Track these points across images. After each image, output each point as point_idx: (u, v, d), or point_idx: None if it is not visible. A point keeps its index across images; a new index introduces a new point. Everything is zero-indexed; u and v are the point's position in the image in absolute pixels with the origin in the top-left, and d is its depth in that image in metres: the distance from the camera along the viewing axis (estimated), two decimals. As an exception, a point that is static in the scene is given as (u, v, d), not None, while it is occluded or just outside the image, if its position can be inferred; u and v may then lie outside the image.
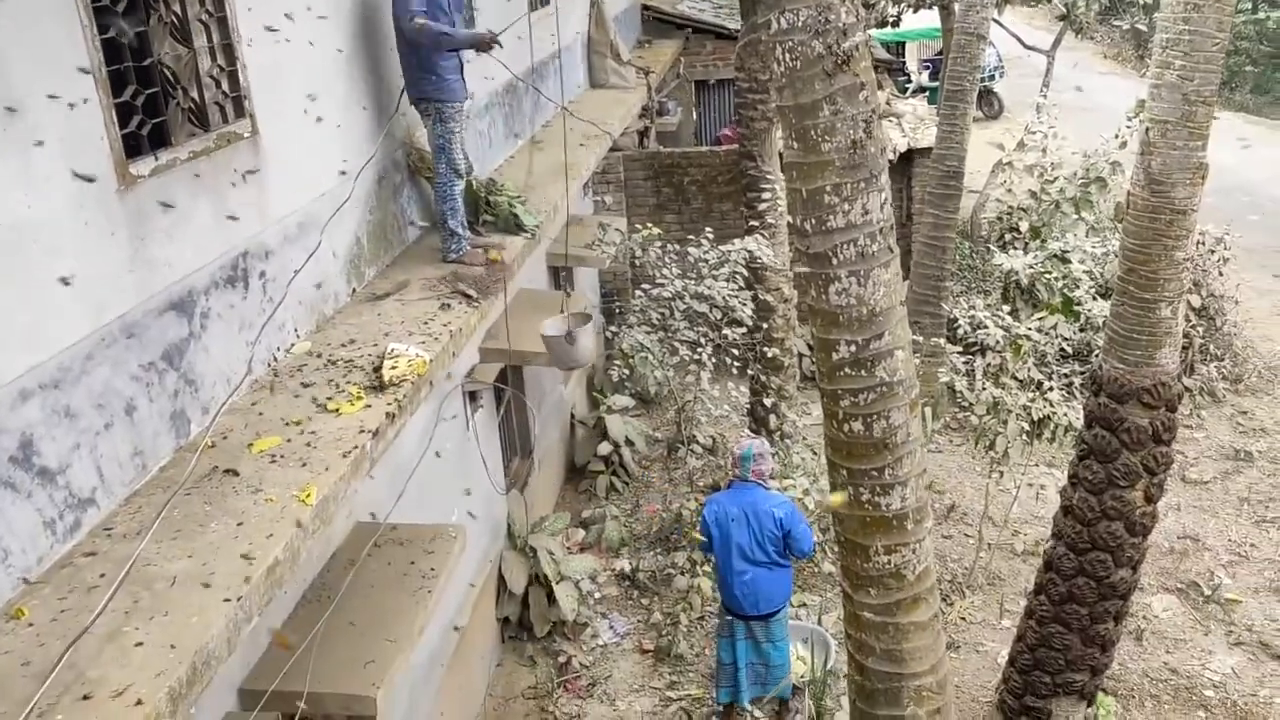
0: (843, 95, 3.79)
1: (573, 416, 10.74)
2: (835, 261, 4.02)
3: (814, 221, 3.99)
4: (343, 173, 5.29)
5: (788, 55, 3.78)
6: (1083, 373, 10.91)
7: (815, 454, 9.07)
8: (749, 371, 9.77)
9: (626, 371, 9.59)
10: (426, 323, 5.21)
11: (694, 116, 17.44)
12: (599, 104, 11.07)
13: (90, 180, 3.42)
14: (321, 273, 5.06)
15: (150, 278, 3.71)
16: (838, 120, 3.81)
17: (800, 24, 3.73)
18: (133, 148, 3.70)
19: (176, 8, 4.02)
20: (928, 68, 24.55)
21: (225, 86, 4.32)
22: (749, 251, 8.78)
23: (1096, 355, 7.15)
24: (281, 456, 3.86)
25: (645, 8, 16.37)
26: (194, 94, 4.13)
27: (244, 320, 4.34)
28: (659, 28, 16.42)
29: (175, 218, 3.88)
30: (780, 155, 4.95)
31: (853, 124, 3.82)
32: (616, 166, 12.56)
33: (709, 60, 16.45)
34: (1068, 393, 10.03)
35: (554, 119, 9.65)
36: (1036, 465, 9.94)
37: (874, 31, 19.96)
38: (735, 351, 9.02)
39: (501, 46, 5.76)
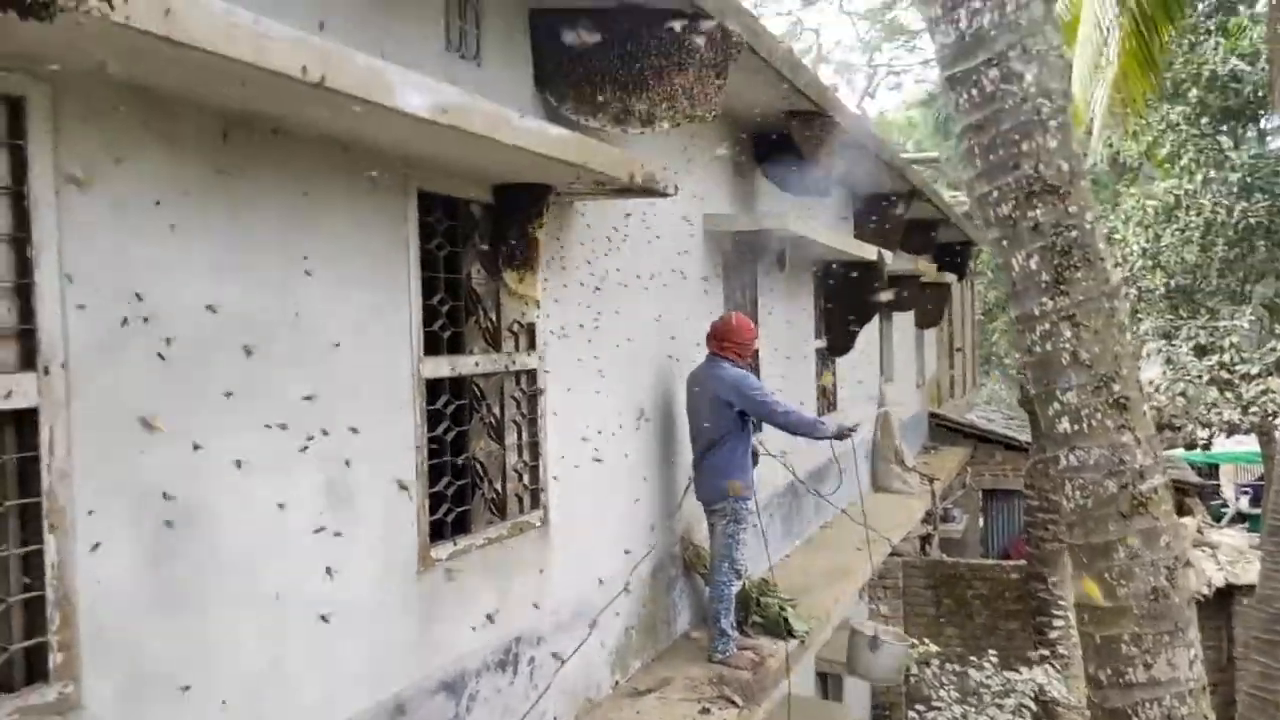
0: (1140, 538, 3.61)
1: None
2: (1136, 722, 3.63)
3: (1109, 673, 3.67)
4: (620, 564, 5.49)
5: (1078, 493, 3.68)
6: None
7: None
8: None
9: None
10: (684, 727, 5.08)
11: (980, 525, 16.95)
12: (880, 508, 11.04)
13: (395, 563, 3.74)
14: (588, 662, 5.13)
15: (430, 657, 3.91)
16: (1135, 565, 3.60)
17: (1092, 463, 3.66)
18: (435, 532, 4.05)
19: (496, 410, 4.53)
20: (1247, 493, 22.85)
21: (526, 480, 4.72)
22: (1038, 684, 8.07)
23: None
24: None
25: (933, 415, 16.62)
26: (498, 485, 4.53)
27: (507, 706, 4.42)
28: (947, 435, 16.52)
29: (462, 600, 4.13)
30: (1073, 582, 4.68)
31: (1152, 570, 3.59)
32: (895, 572, 12.25)
33: (997, 469, 16.21)
34: None
35: (833, 521, 9.69)
36: None
37: (1181, 452, 19.06)
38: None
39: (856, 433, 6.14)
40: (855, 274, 9.63)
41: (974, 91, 3.78)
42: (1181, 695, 3.62)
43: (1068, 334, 3.66)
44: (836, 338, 10.02)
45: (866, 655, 5.89)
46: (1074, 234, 3.66)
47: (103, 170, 2.66)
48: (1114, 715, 3.72)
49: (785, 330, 8.55)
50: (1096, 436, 3.65)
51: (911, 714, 8.70)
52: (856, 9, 29.55)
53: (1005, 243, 3.82)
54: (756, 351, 7.22)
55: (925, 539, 13.46)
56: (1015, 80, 3.68)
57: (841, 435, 5.98)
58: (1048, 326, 3.71)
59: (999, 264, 3.90)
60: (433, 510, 4.03)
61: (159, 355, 2.81)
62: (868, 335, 11.35)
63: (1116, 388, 3.63)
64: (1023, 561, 10.83)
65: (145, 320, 2.77)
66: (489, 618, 4.30)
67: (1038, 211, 3.69)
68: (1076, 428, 3.68)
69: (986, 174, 3.82)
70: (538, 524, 4.73)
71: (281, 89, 2.67)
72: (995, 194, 3.80)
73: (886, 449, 12.07)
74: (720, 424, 5.88)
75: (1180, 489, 15.80)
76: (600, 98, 4.69)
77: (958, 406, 18.49)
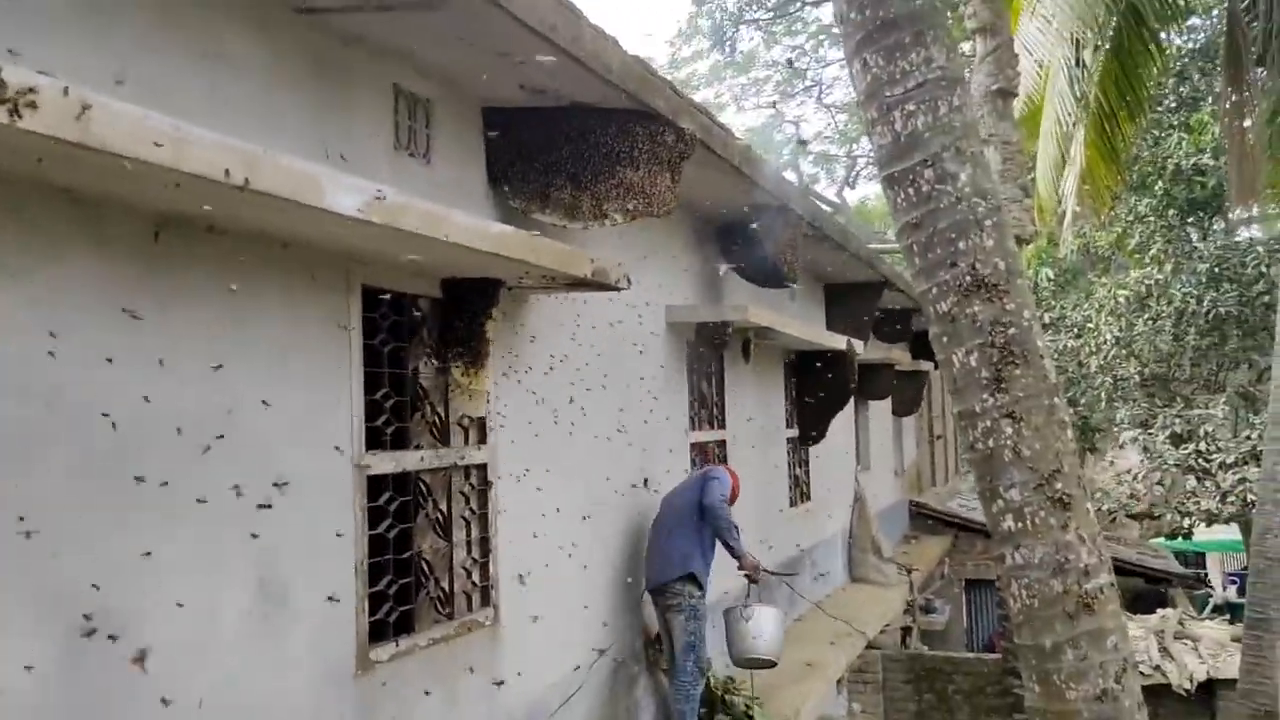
0: (1087, 640, 3.55)
1: None
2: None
3: (1061, 777, 3.58)
4: (576, 667, 5.38)
5: (1024, 592, 3.65)
6: None
7: None
8: None
9: None
10: (639, 835, 4.92)
11: (964, 616, 16.74)
12: (857, 600, 10.91)
13: (331, 664, 3.66)
14: (541, 767, 5.00)
15: (366, 764, 3.80)
16: (1084, 667, 3.54)
17: (1036, 561, 3.62)
18: (376, 632, 3.96)
19: (444, 506, 4.48)
20: (1234, 581, 22.62)
21: (476, 577, 4.64)
22: (1013, 783, 7.87)
23: None
24: None
25: (913, 503, 16.53)
26: (444, 583, 4.46)
27: (451, 815, 4.29)
28: (927, 524, 16.42)
29: (405, 704, 4.02)
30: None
31: (1101, 673, 3.53)
32: (874, 666, 12.03)
33: (979, 559, 16.06)
34: None
35: (806, 614, 9.56)
36: None
37: (1161, 541, 18.96)
38: None
39: (757, 583, 6.25)
40: (825, 363, 9.67)
41: (911, 191, 3.84)
42: (1136, 806, 3.53)
43: (1008, 431, 3.66)
44: (809, 427, 10.02)
45: (741, 627, 5.89)
46: (1012, 331, 3.68)
47: (23, 268, 2.65)
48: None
49: (755, 420, 8.54)
50: (1040, 534, 3.63)
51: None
52: (835, 101, 30.16)
53: (946, 339, 3.84)
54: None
55: (906, 630, 13.26)
56: (950, 180, 3.74)
57: (748, 567, 6.13)
58: (989, 424, 3.71)
59: (941, 360, 3.90)
60: (373, 610, 3.95)
61: (82, 453, 2.78)
62: (843, 424, 11.35)
63: (1059, 485, 3.62)
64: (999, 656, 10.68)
65: (68, 418, 2.74)
66: (432, 721, 4.19)
67: (976, 309, 3.72)
68: (1020, 525, 3.66)
69: (925, 271, 3.86)
70: (487, 622, 4.64)
71: (208, 191, 2.69)
72: (935, 291, 3.83)
73: (863, 538, 11.98)
74: (691, 510, 5.94)
75: (1162, 578, 15.68)
76: (552, 194, 4.75)
77: (939, 495, 18.41)
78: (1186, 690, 11.57)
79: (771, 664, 6.44)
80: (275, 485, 3.43)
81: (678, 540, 5.89)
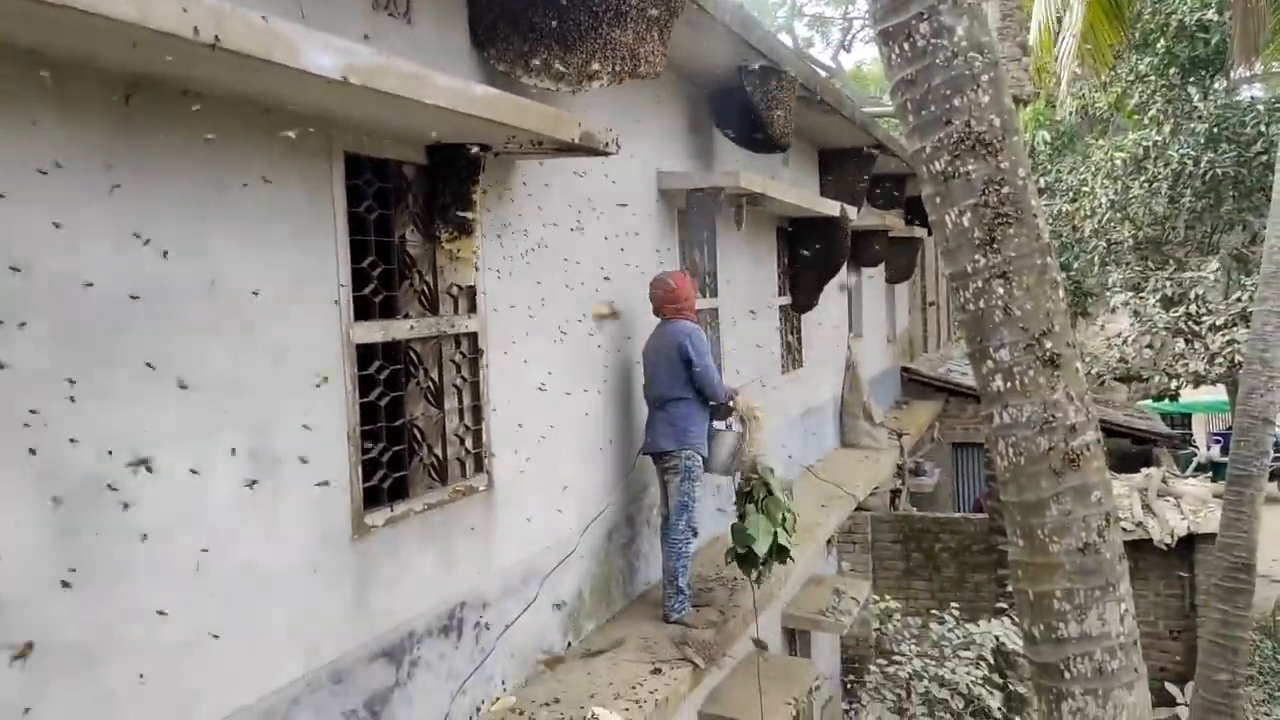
0: (1071, 495, 3.61)
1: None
2: (1068, 676, 3.65)
3: (1042, 628, 3.69)
4: (572, 525, 5.49)
5: (1011, 450, 3.68)
6: None
7: None
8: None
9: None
10: (635, 687, 5.10)
11: (952, 479, 17.08)
12: (847, 464, 11.09)
13: (327, 530, 3.72)
14: (539, 625, 5.14)
15: (368, 625, 3.90)
16: (1067, 521, 3.60)
17: (1024, 420, 3.65)
18: (371, 498, 4.02)
19: (435, 375, 4.49)
20: (1218, 441, 23.07)
21: (469, 444, 4.69)
22: (995, 636, 8.16)
23: None
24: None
25: (905, 369, 16.66)
26: (438, 450, 4.50)
27: (452, 671, 4.43)
28: (918, 389, 16.59)
29: (401, 567, 4.11)
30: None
31: (1084, 527, 3.59)
32: (864, 527, 12.32)
33: (969, 423, 16.29)
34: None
35: (798, 477, 9.73)
36: None
37: (1149, 403, 19.21)
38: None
39: (733, 409, 6.17)
40: (819, 231, 9.59)
41: (906, 46, 3.72)
42: (1112, 649, 3.64)
43: (1000, 291, 3.63)
44: (801, 294, 9.99)
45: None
46: (1006, 190, 3.63)
47: (-9, 137, 2.58)
48: (1047, 670, 3.75)
49: (747, 287, 8.51)
50: (1029, 394, 3.64)
51: (873, 666, 8.80)
52: (831, -40, 29.19)
53: (939, 199, 3.78)
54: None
55: (895, 493, 13.54)
56: (946, 34, 3.62)
57: (729, 398, 6.17)
58: (980, 284, 3.68)
59: (934, 221, 3.85)
60: (367, 477, 3.99)
61: (63, 326, 2.75)
62: (835, 291, 11.33)
63: (1049, 345, 3.61)
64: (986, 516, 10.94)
65: (42, 291, 2.71)
66: (430, 583, 4.29)
67: (970, 167, 3.65)
68: (1009, 385, 3.67)
69: (920, 130, 3.77)
70: (482, 488, 4.71)
71: (177, 51, 2.59)
72: (928, 149, 3.76)
73: (854, 405, 12.10)
74: (677, 377, 5.93)
75: (1148, 439, 15.94)
76: (537, 55, 4.61)
77: (931, 361, 18.54)
78: (1167, 544, 11.88)
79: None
80: (263, 355, 3.42)
81: (671, 410, 5.95)
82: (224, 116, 3.24)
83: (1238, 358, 13.13)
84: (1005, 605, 8.75)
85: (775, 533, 6.20)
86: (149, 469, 2.99)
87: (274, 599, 3.46)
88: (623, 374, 6.18)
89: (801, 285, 9.97)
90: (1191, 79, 14.75)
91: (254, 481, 3.37)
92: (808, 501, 9.14)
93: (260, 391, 3.42)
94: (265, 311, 3.43)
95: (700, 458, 6.01)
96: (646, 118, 6.50)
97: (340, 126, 3.77)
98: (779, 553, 6.24)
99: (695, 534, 6.10)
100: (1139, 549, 11.83)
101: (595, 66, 4.61)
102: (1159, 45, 14.40)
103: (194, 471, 3.14)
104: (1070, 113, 16.46)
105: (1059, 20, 10.78)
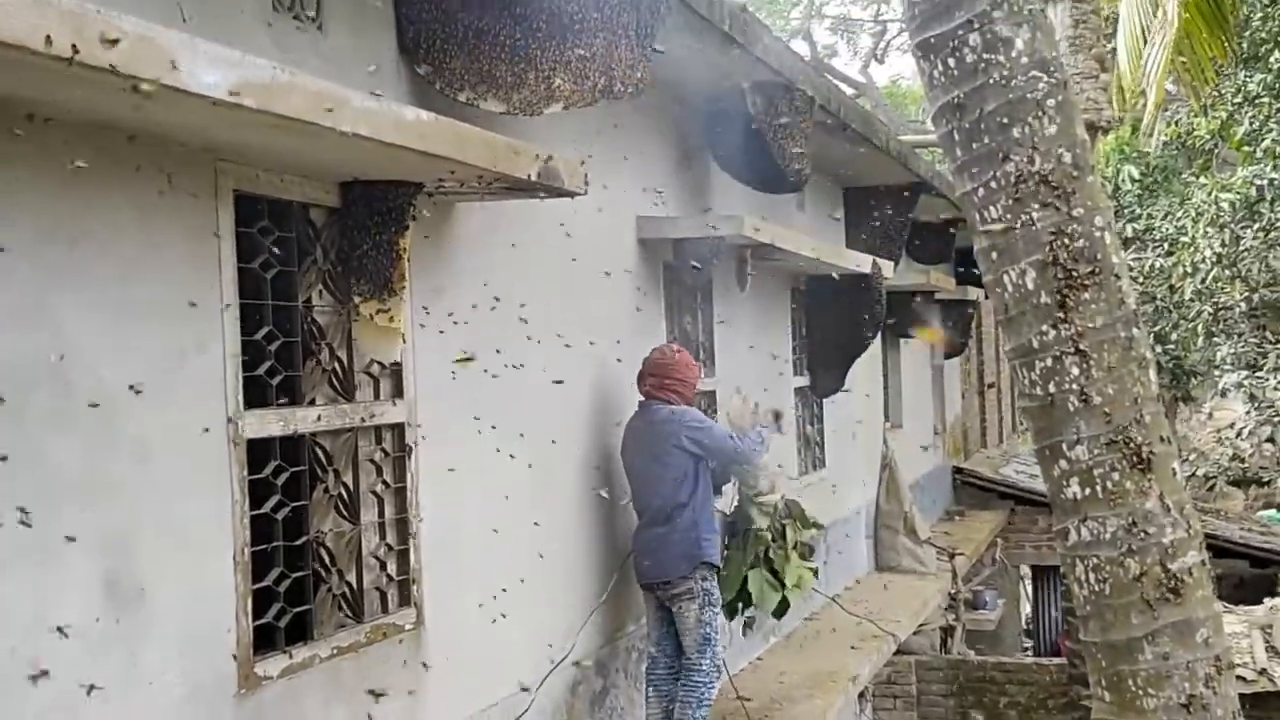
0: (1171, 634, 3.62)
1: None
2: None
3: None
4: (526, 676, 5.44)
5: (1092, 576, 3.70)
6: None
7: None
8: None
9: None
10: None
11: (1023, 612, 17.04)
12: (884, 593, 11.08)
13: (204, 682, 3.67)
14: (481, 810, 5.07)
15: (254, 808, 3.84)
16: (1166, 668, 3.61)
17: (1107, 537, 3.67)
18: (263, 640, 3.98)
19: (348, 479, 4.48)
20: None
21: (392, 569, 4.66)
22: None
23: None
24: None
25: (958, 470, 16.72)
26: (351, 577, 4.48)
27: None
28: (976, 496, 16.63)
29: (301, 730, 4.06)
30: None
31: (1188, 676, 3.60)
32: (907, 675, 12.23)
33: (1039, 540, 16.29)
34: None
35: (822, 611, 9.70)
36: None
37: (1273, 514, 19.28)
38: None
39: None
40: (845, 291, 9.69)
41: (952, 62, 3.82)
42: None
43: (1074, 371, 3.68)
44: (823, 375, 10.07)
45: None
46: (1080, 243, 3.69)
47: None
48: None
49: (751, 365, 8.57)
50: (1113, 503, 3.67)
51: None
52: (859, -48, 30.01)
53: (995, 255, 3.85)
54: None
55: (947, 631, 13.48)
56: (1002, 48, 3.72)
57: (777, 417, 6.74)
58: (1049, 362, 3.73)
59: (989, 282, 3.92)
60: (259, 612, 3.97)
61: None
62: (866, 371, 11.42)
63: (1137, 439, 3.65)
64: (1065, 661, 10.89)
65: None
66: (338, 752, 4.24)
67: (1034, 215, 3.72)
68: (1087, 492, 3.70)
69: (970, 167, 3.86)
70: (409, 626, 4.68)
71: (24, 66, 2.63)
72: (981, 192, 3.84)
73: (893, 516, 12.13)
74: (681, 479, 6.01)
75: (1272, 560, 15.95)
76: (484, 68, 4.69)
77: (991, 459, 18.64)
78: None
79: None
80: (123, 454, 3.42)
81: (677, 521, 5.99)
82: (78, 145, 3.27)
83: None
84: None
85: (784, 596, 6.65)
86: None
87: (131, 775, 3.41)
88: (587, 478, 6.18)
89: (822, 362, 10.06)
90: (1316, 102, 15.11)
91: (109, 618, 3.34)
92: (832, 642, 9.10)
93: (118, 501, 3.40)
94: (127, 397, 3.43)
95: (716, 576, 6.09)
96: (623, 148, 6.61)
97: (229, 158, 3.81)
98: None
99: (719, 673, 6.13)
100: (1264, 703, 11.77)
101: (558, 82, 4.70)
102: (1272, 60, 14.77)
103: (39, 613, 3.12)
104: (1163, 143, 16.80)
105: (1147, 28, 11.08)
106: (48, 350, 3.21)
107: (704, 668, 5.99)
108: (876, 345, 11.10)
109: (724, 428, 6.40)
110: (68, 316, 3.26)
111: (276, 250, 4.15)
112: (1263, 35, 14.94)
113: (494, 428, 5.28)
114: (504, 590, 5.33)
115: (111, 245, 3.41)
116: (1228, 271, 15.33)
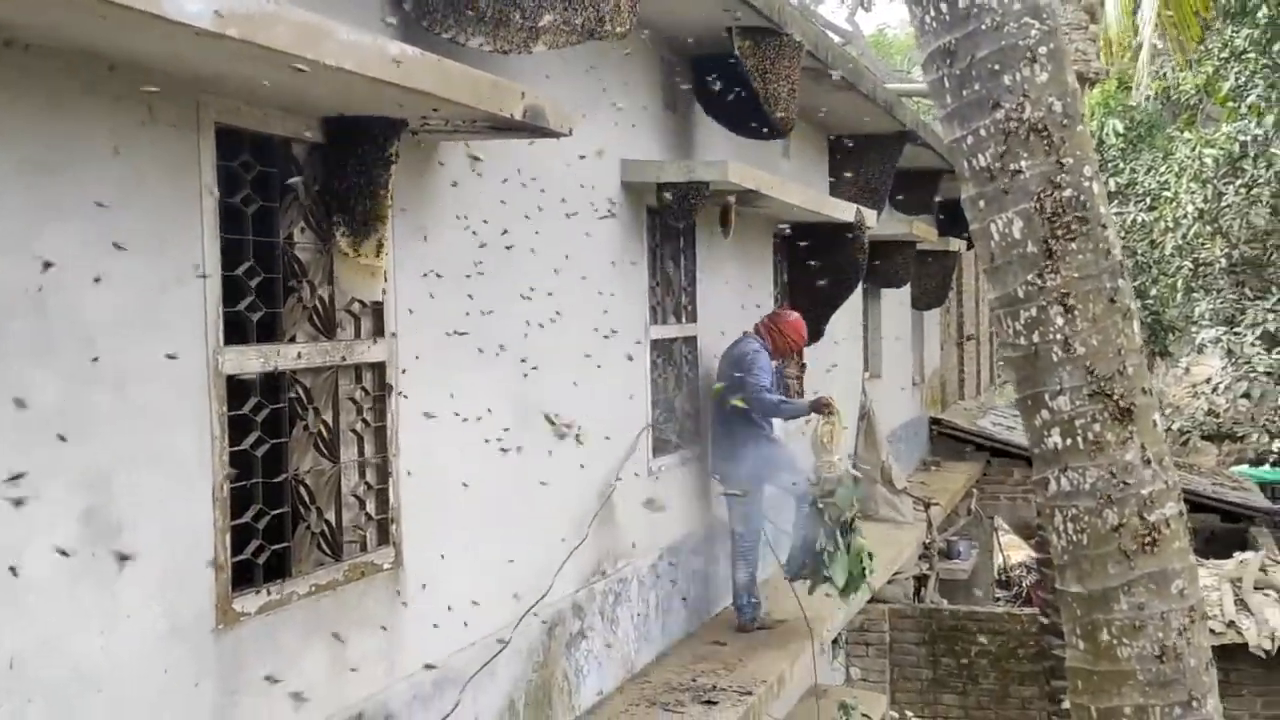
0: (1146, 585, 3.65)
1: None
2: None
3: (1109, 757, 3.72)
4: (504, 615, 5.47)
5: (1070, 525, 3.73)
6: None
7: None
8: None
9: None
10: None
11: (996, 563, 17.20)
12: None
13: (182, 618, 3.68)
14: (456, 745, 5.11)
15: (232, 740, 3.86)
16: (1141, 618, 3.65)
17: (1087, 487, 3.70)
18: (242, 576, 3.99)
19: (328, 417, 4.47)
20: (1332, 519, 23.39)
21: (371, 508, 4.67)
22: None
23: None
24: None
25: (935, 421, 16.81)
26: (330, 515, 4.48)
27: (342, 806, 4.39)
28: (952, 447, 16.72)
29: (279, 666, 4.07)
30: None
31: (1162, 625, 3.64)
32: (879, 624, 12.33)
33: (1015, 491, 16.43)
34: None
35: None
36: None
37: (1245, 469, 19.48)
38: None
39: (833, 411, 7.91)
40: (828, 240, 9.68)
41: (944, 7, 3.79)
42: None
43: (1059, 322, 3.69)
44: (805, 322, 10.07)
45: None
46: (1068, 193, 3.69)
47: None
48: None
49: (734, 311, 8.57)
50: (1093, 454, 3.70)
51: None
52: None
53: (982, 203, 3.84)
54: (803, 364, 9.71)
55: (921, 580, 13.60)
56: (994, -7, 3.70)
57: (818, 408, 7.94)
58: (1034, 312, 3.74)
59: (976, 231, 3.92)
60: (237, 549, 3.97)
61: None
62: (847, 319, 11.44)
63: (1119, 391, 3.67)
64: (1037, 611, 11.01)
65: None
66: (318, 689, 4.25)
67: (1023, 163, 3.71)
68: (1068, 442, 3.72)
69: (959, 114, 3.84)
70: (387, 565, 4.69)
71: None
72: (971, 140, 3.83)
73: (870, 465, 12.17)
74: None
75: (1244, 515, 16.13)
76: (470, 7, 4.64)
77: (968, 410, 18.73)
78: (1266, 651, 11.99)
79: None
80: (103, 386, 3.40)
81: (749, 444, 7.59)
82: (56, 74, 3.23)
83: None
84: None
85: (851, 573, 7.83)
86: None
87: (109, 709, 3.41)
88: (576, 416, 6.19)
89: (804, 309, 10.04)
90: (1302, 58, 15.07)
91: (86, 551, 3.33)
92: (805, 589, 9.14)
93: (97, 435, 3.39)
94: (106, 329, 3.41)
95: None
96: (608, 90, 6.56)
97: (211, 90, 3.77)
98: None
99: (759, 539, 7.93)
100: (1231, 656, 11.94)
101: (545, 20, 4.66)
102: (1260, 14, 14.72)
103: (16, 542, 3.10)
104: (1149, 97, 16.77)
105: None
106: (31, 281, 3.18)
107: (747, 537, 7.75)
108: (857, 295, 11.10)
109: (779, 409, 7.87)
110: (48, 248, 3.23)
111: (258, 185, 4.11)
112: (1251, -11, 14.88)
113: (476, 368, 5.27)
114: (483, 531, 5.35)
115: (92, 175, 3.37)
116: (1209, 227, 15.37)
